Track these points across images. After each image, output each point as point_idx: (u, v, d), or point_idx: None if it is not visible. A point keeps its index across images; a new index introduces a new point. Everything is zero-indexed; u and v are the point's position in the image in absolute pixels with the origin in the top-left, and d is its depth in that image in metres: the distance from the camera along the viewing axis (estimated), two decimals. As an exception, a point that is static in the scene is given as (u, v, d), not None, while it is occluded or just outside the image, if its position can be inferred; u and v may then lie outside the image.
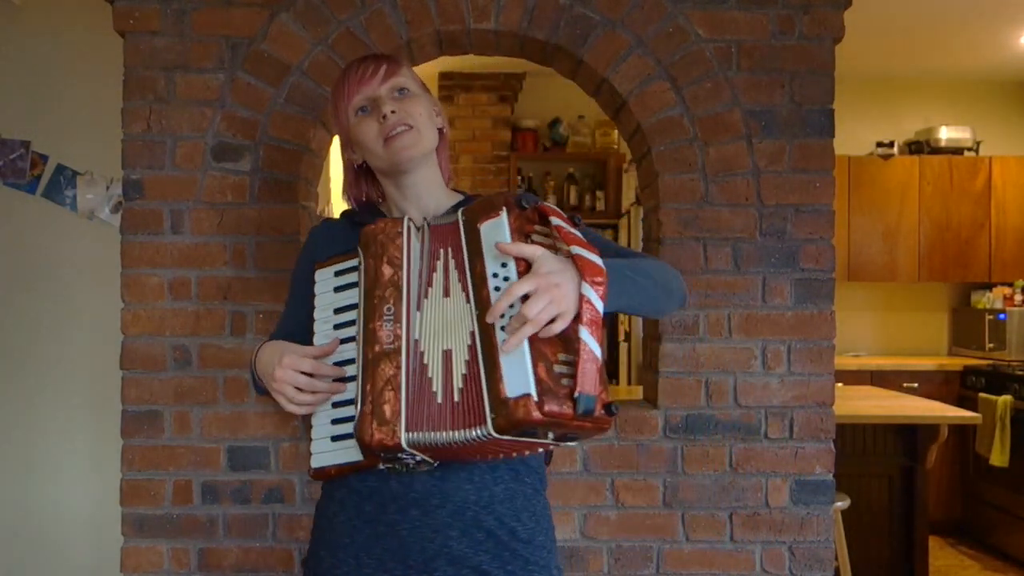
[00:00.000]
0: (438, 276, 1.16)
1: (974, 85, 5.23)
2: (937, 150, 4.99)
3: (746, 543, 2.03)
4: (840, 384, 3.83)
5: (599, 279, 1.08)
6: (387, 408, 1.11)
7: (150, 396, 2.02)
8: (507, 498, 1.24)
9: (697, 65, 2.04)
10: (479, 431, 1.07)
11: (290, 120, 2.03)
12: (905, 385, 4.59)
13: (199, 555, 2.02)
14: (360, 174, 1.40)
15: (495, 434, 1.06)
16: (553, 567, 1.29)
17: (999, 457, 4.11)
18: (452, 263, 1.16)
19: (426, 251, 1.19)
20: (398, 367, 1.13)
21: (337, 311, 1.25)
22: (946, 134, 4.97)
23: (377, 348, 1.13)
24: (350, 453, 1.20)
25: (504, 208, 1.13)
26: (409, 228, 1.20)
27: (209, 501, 2.02)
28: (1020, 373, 4.17)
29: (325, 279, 1.28)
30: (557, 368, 1.06)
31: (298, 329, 1.39)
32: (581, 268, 1.08)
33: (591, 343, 1.05)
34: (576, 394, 1.04)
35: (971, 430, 4.35)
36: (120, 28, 2.03)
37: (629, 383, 4.64)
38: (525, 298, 1.06)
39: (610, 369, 4.73)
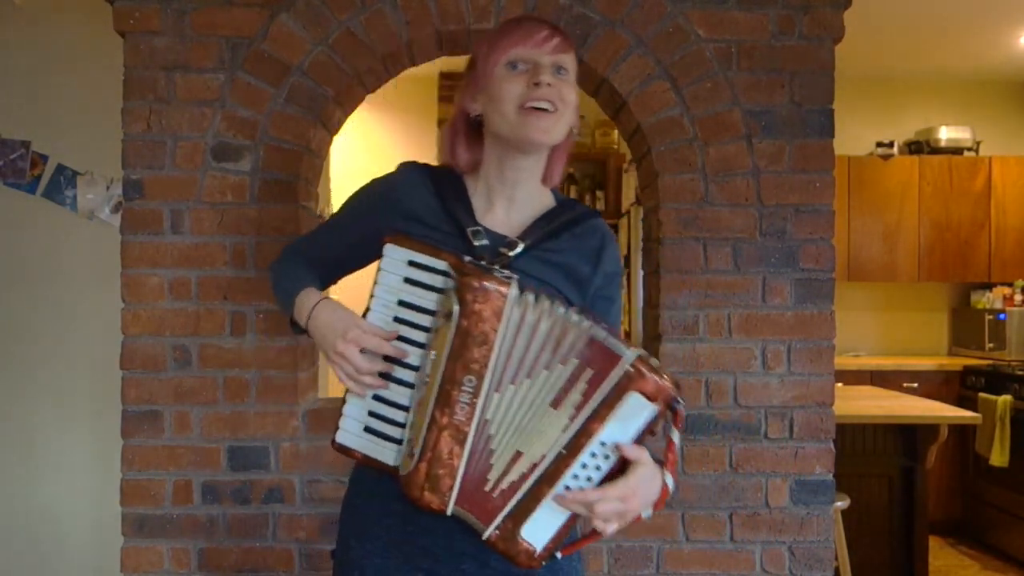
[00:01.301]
0: (533, 358, 1.12)
1: (974, 85, 5.23)
2: (937, 150, 4.99)
3: (746, 543, 2.03)
4: (840, 384, 3.83)
5: (665, 499, 1.16)
6: (443, 476, 1.14)
7: (150, 396, 2.02)
8: None
9: (697, 65, 2.04)
10: (480, 527, 1.16)
11: (290, 120, 2.03)
12: (905, 385, 4.59)
13: (199, 555, 2.02)
14: (467, 130, 1.28)
15: (489, 541, 1.16)
16: (578, 572, 1.30)
17: (999, 457, 4.11)
18: (584, 386, 1.10)
19: (544, 344, 1.12)
20: (462, 443, 1.14)
21: (401, 304, 1.19)
22: (946, 134, 4.97)
23: (446, 419, 1.13)
24: (381, 452, 1.21)
25: (661, 402, 1.09)
26: (514, 305, 1.12)
27: (209, 501, 2.02)
28: (1020, 373, 4.17)
29: (395, 260, 1.19)
30: (569, 532, 1.15)
31: (335, 257, 1.36)
32: (671, 466, 1.15)
33: (601, 528, 1.14)
34: (558, 554, 1.17)
35: (971, 430, 4.35)
36: (120, 28, 2.03)
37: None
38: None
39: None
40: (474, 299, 1.11)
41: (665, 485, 1.13)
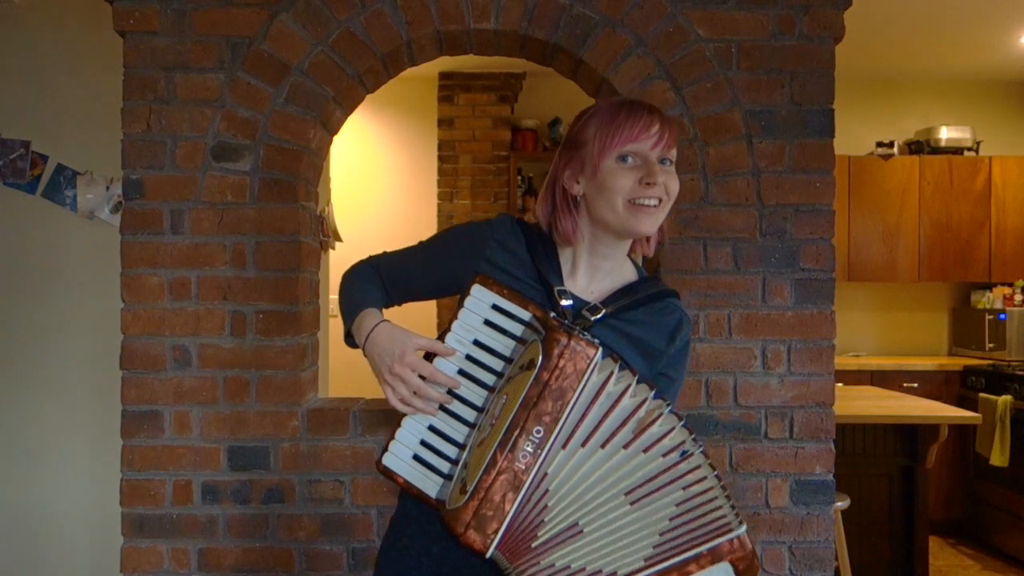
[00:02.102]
0: (631, 464, 1.12)
1: (974, 85, 5.23)
2: (937, 150, 4.99)
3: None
4: (840, 384, 3.83)
5: None
6: (491, 518, 1.14)
7: (150, 396, 2.02)
8: None
9: (697, 65, 2.04)
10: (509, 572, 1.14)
11: (290, 120, 2.03)
12: (905, 385, 4.59)
13: (199, 555, 2.02)
14: (565, 203, 1.29)
15: None
16: None
17: (999, 457, 4.11)
18: (679, 527, 1.11)
19: (627, 412, 1.13)
20: (517, 489, 1.14)
21: (475, 343, 1.22)
22: (946, 134, 4.97)
23: (506, 463, 1.14)
24: (425, 483, 1.22)
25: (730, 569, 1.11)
26: (610, 371, 1.14)
27: (209, 501, 2.02)
28: (1020, 373, 4.17)
29: (480, 301, 1.23)
30: None
31: (410, 283, 1.38)
32: None
33: None
34: None
35: (971, 430, 4.35)
36: (120, 28, 2.03)
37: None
38: None
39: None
40: (560, 354, 1.13)
41: None
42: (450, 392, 1.22)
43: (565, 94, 4.08)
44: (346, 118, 2.23)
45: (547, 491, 1.14)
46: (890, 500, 3.35)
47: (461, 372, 1.22)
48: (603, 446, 1.13)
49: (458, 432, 1.21)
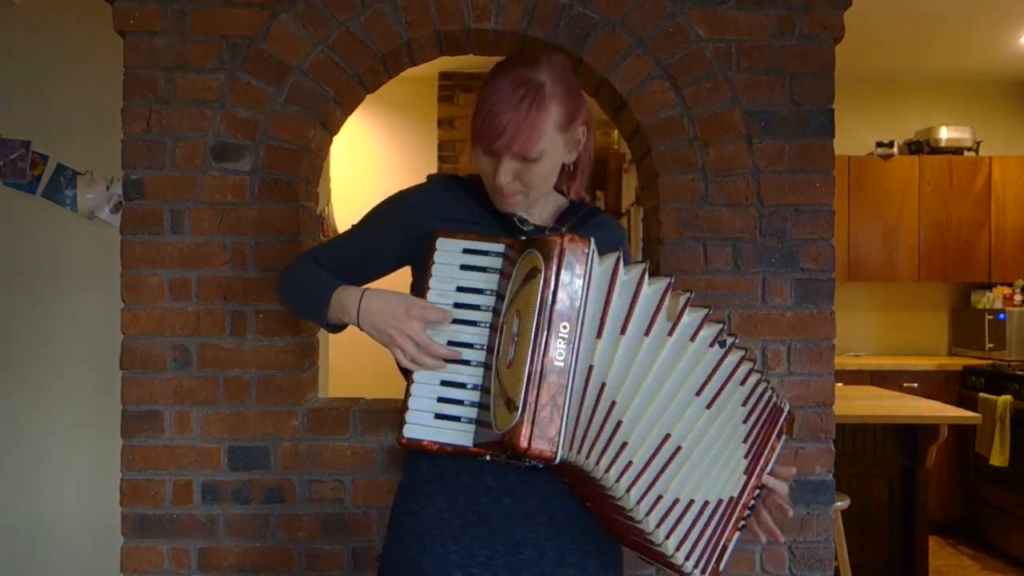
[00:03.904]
0: (688, 359, 1.16)
1: (974, 85, 5.23)
2: (937, 150, 4.99)
3: (746, 543, 2.03)
4: (840, 384, 3.83)
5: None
6: (549, 424, 1.11)
7: (150, 396, 2.02)
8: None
9: (697, 65, 2.04)
10: (610, 495, 1.14)
11: (290, 120, 2.03)
12: (905, 385, 4.59)
13: (199, 555, 2.02)
14: None
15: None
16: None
17: (999, 457, 4.11)
18: (757, 431, 1.27)
19: (651, 301, 1.15)
20: (564, 386, 1.12)
21: (460, 289, 1.22)
22: (946, 134, 4.97)
23: (545, 365, 1.12)
24: (458, 436, 1.20)
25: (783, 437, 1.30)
26: (616, 260, 1.14)
27: (209, 501, 2.02)
28: (1020, 373, 4.17)
29: (450, 251, 1.24)
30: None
31: (358, 266, 1.38)
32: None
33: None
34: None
35: (971, 430, 4.35)
36: (120, 28, 2.03)
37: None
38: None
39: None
40: (560, 251, 1.12)
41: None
42: (450, 342, 1.21)
43: (565, 94, 4.08)
44: (346, 118, 2.23)
45: (604, 385, 1.12)
46: (890, 500, 3.35)
47: (456, 320, 1.21)
48: (646, 333, 1.12)
49: (473, 376, 1.20)
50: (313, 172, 2.16)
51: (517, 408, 1.11)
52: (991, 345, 4.78)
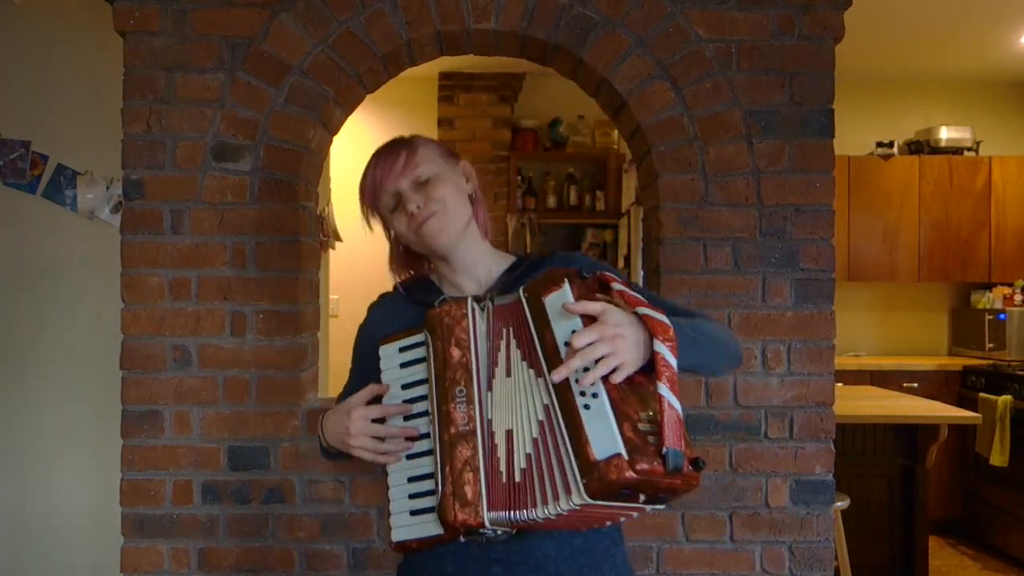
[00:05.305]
0: (502, 355, 1.16)
1: (974, 85, 5.23)
2: (937, 150, 4.99)
3: (746, 543, 2.03)
4: (840, 384, 3.83)
5: (670, 335, 1.08)
6: (468, 489, 1.13)
7: (150, 396, 2.02)
8: (587, 549, 1.25)
9: (697, 65, 2.04)
10: (569, 501, 1.05)
11: (290, 120, 2.03)
12: (905, 385, 4.59)
13: (199, 555, 2.02)
14: (407, 251, 1.40)
15: (588, 499, 1.04)
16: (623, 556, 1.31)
17: (999, 457, 4.11)
18: (514, 341, 1.15)
19: (491, 331, 1.19)
20: (475, 448, 1.14)
21: (404, 387, 1.26)
22: (946, 134, 4.97)
23: (453, 430, 1.15)
24: (430, 528, 1.21)
25: (566, 280, 1.12)
26: (474, 309, 1.20)
27: (209, 501, 2.02)
28: (1020, 373, 4.17)
29: (390, 355, 1.29)
30: (641, 426, 1.06)
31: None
32: (651, 327, 1.08)
33: (672, 399, 1.05)
34: (664, 450, 1.03)
35: (971, 430, 4.35)
36: (120, 28, 2.03)
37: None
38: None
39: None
40: (439, 322, 1.18)
41: (645, 315, 1.09)
42: (407, 439, 1.24)
43: (565, 94, 4.08)
44: (346, 118, 2.23)
45: (494, 432, 1.14)
46: (890, 500, 3.35)
47: (408, 417, 1.24)
48: (508, 375, 1.15)
49: (429, 466, 1.21)
50: (313, 172, 2.16)
51: (439, 488, 1.15)
52: (991, 345, 4.78)
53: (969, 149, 5.01)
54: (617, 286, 1.15)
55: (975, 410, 3.98)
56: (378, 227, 1.39)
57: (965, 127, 5.01)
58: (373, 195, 1.34)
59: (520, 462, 1.11)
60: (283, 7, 2.03)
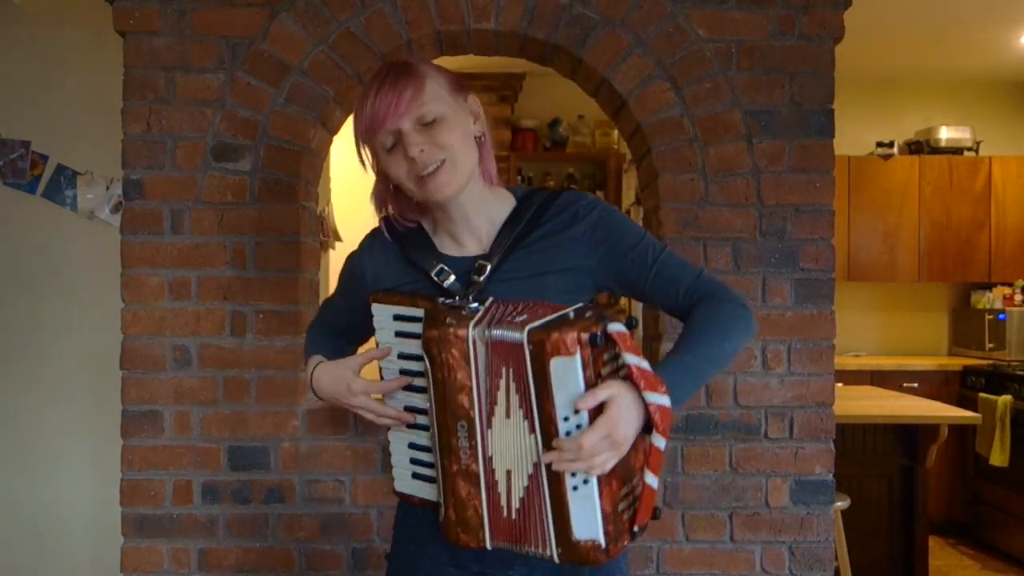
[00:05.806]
0: (501, 395, 1.12)
1: (974, 85, 5.23)
2: (937, 150, 4.99)
3: (746, 543, 2.03)
4: (840, 384, 3.82)
5: (667, 424, 1.08)
6: (471, 517, 1.17)
7: (150, 396, 2.02)
8: None
9: (697, 65, 2.04)
10: (543, 555, 1.13)
11: (290, 120, 2.03)
12: (905, 385, 4.59)
13: (199, 555, 2.02)
14: (397, 190, 1.25)
15: (557, 562, 1.12)
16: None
17: (999, 457, 4.11)
18: (513, 386, 1.10)
19: (491, 366, 1.12)
20: (477, 485, 1.15)
21: (401, 356, 1.24)
22: (946, 134, 4.96)
23: (455, 467, 1.16)
24: (429, 493, 1.25)
25: (577, 347, 1.04)
26: (475, 342, 1.12)
27: (209, 501, 2.02)
28: (1020, 373, 4.17)
29: (383, 317, 1.24)
30: (621, 506, 1.10)
31: (346, 329, 1.41)
32: (652, 415, 1.07)
33: (653, 481, 1.11)
34: (635, 528, 1.12)
35: (971, 430, 4.35)
36: (120, 28, 2.03)
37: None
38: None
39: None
40: (439, 351, 1.14)
41: (645, 402, 1.06)
42: (406, 408, 1.25)
43: (565, 94, 4.08)
44: (346, 118, 2.23)
45: (494, 469, 1.15)
46: (890, 500, 3.35)
47: (407, 388, 1.25)
48: (508, 416, 1.15)
49: (428, 440, 1.23)
50: (313, 172, 2.16)
51: (441, 504, 1.19)
52: (991, 345, 4.78)
53: (969, 149, 5.01)
54: (631, 358, 1.08)
55: (975, 410, 3.98)
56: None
57: (965, 127, 5.01)
58: (369, 131, 1.18)
59: (516, 503, 1.14)
60: (283, 7, 2.03)
